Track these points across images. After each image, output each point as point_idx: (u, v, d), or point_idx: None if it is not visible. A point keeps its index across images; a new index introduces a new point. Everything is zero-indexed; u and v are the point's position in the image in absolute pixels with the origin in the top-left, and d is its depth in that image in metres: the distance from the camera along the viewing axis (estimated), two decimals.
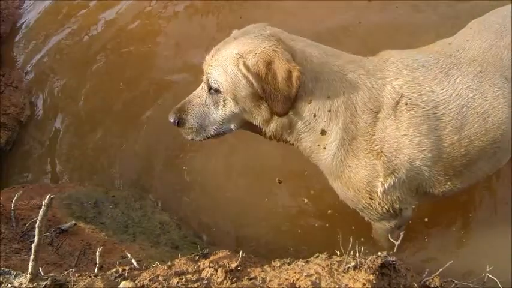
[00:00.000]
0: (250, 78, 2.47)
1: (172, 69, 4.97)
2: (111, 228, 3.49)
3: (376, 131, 2.59)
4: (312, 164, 2.90)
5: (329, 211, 3.46)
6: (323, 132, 2.62)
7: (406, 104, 2.58)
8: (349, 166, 2.66)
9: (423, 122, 2.59)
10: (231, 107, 2.63)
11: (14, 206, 3.05)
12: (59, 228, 3.12)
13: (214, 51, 2.65)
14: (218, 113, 2.68)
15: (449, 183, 2.77)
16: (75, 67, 5.19)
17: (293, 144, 2.80)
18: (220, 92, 2.60)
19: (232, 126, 2.75)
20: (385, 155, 2.60)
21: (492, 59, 2.73)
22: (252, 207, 3.77)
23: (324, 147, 2.66)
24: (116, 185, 4.15)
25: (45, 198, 2.12)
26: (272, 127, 2.68)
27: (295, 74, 2.43)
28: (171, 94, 4.68)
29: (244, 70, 2.48)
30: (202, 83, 2.71)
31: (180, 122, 2.74)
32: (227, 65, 2.54)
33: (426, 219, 3.23)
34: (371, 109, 2.59)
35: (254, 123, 2.69)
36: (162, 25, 5.54)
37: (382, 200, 2.72)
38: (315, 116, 2.59)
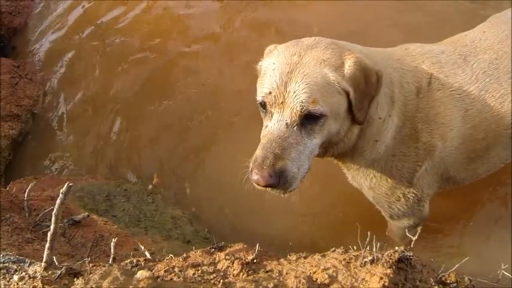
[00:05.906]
0: (350, 90, 2.29)
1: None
2: (123, 221, 3.52)
3: (418, 111, 2.63)
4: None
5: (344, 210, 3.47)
6: (382, 123, 2.55)
7: (435, 84, 2.65)
8: (394, 155, 2.66)
9: (450, 101, 2.65)
10: (329, 128, 2.34)
11: (27, 197, 3.06)
12: (72, 219, 3.13)
13: (288, 77, 2.26)
14: (313, 142, 2.32)
15: (469, 167, 2.82)
16: (90, 59, 5.20)
17: (345, 154, 2.65)
18: (321, 118, 2.27)
19: (319, 150, 2.43)
20: (424, 136, 2.63)
21: (508, 48, 2.78)
22: (265, 204, 3.71)
23: (377, 140, 2.58)
24: (128, 178, 4.15)
25: (61, 188, 2.11)
26: (350, 136, 2.50)
27: (380, 75, 2.38)
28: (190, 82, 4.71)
29: (344, 83, 2.28)
30: (278, 121, 2.28)
31: (281, 178, 2.23)
32: (327, 84, 2.26)
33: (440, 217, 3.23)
34: (414, 91, 2.63)
35: (336, 139, 2.46)
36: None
37: (416, 186, 2.73)
38: (376, 109, 2.51)
